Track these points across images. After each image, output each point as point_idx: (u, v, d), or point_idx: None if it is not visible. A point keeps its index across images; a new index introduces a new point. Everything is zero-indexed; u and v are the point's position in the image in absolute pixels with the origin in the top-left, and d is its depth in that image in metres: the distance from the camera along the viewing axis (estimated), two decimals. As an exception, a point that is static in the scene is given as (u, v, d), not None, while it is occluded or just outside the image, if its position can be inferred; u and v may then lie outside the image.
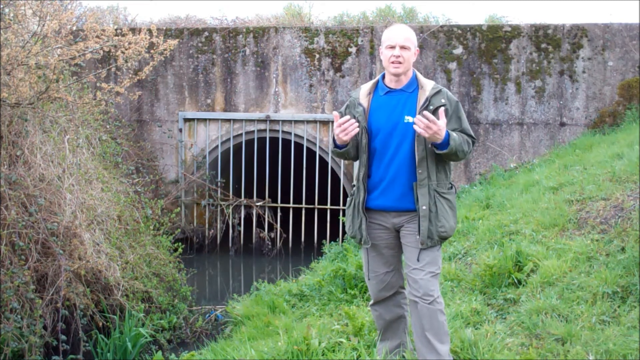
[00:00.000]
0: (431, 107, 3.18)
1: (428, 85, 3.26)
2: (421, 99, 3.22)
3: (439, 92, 3.23)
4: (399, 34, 3.22)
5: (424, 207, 3.17)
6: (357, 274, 5.49)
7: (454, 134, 3.14)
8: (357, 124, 3.17)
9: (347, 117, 3.17)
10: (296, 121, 9.24)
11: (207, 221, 9.54)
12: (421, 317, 3.17)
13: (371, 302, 3.55)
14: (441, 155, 3.17)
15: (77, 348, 5.27)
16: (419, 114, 3.13)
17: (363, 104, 3.33)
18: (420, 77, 3.32)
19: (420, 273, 3.18)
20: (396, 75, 3.26)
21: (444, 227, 3.18)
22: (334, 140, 3.29)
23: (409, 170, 3.22)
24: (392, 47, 3.21)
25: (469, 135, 3.28)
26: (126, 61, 6.36)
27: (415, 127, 3.06)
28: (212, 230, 9.56)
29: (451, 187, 3.30)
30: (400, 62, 3.20)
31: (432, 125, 3.02)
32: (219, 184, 9.51)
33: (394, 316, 3.49)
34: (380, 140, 3.27)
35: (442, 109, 3.11)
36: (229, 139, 9.45)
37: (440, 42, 8.86)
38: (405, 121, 3.22)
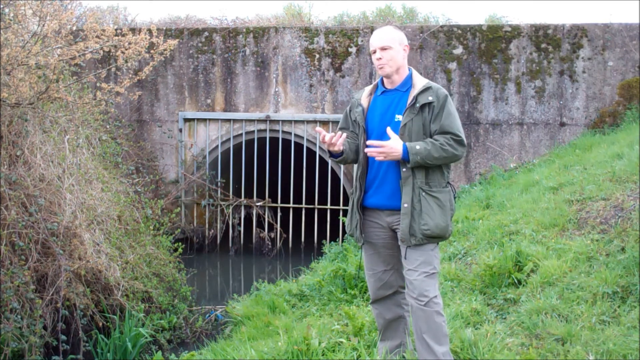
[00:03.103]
0: (417, 105, 3.22)
1: (419, 84, 3.29)
2: (410, 98, 3.27)
3: (427, 89, 3.24)
4: (377, 37, 3.32)
5: (406, 205, 3.19)
6: (357, 274, 5.49)
7: (417, 147, 3.13)
8: (339, 132, 3.27)
9: (331, 134, 3.22)
10: (296, 121, 9.25)
11: (207, 221, 9.54)
12: (417, 319, 3.18)
13: (371, 300, 3.57)
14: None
15: (77, 348, 5.27)
16: (404, 113, 3.23)
17: (363, 104, 3.42)
18: (416, 76, 3.36)
19: (414, 274, 3.19)
20: (386, 77, 3.34)
21: (427, 225, 3.16)
22: (329, 151, 3.35)
23: (397, 169, 3.25)
24: (374, 52, 3.32)
25: (453, 134, 3.20)
26: (126, 61, 6.37)
27: (368, 153, 3.19)
28: (212, 230, 9.55)
29: (446, 187, 3.29)
30: (384, 64, 3.28)
31: (382, 149, 3.13)
32: (219, 184, 9.51)
33: (394, 316, 3.49)
34: (374, 139, 3.30)
35: (389, 128, 3.19)
36: (229, 139, 9.45)
37: (440, 42, 8.86)
38: (396, 120, 3.27)
